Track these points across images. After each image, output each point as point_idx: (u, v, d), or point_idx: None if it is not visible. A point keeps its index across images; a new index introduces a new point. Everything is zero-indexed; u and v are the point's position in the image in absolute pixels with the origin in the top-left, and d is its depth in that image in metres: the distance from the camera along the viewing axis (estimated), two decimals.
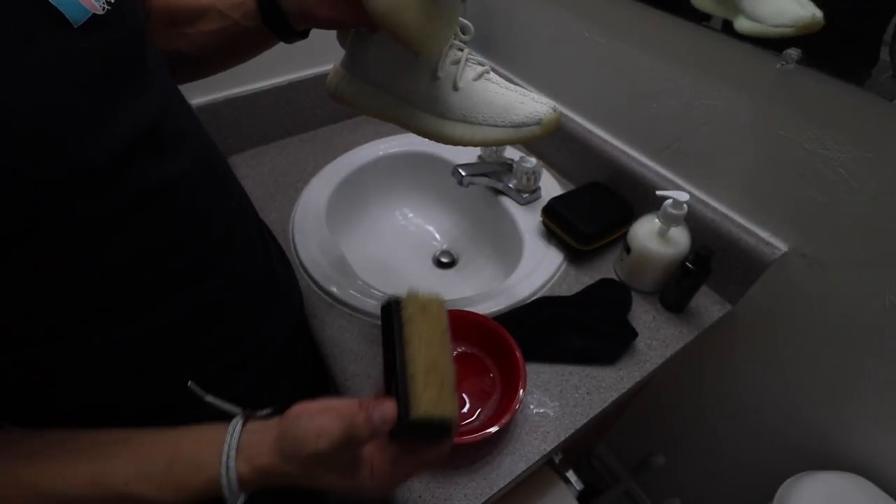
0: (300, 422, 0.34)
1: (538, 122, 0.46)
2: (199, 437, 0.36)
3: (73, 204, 0.29)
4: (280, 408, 0.37)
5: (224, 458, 0.34)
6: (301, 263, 0.72)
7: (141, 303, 0.36)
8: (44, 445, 0.33)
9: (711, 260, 0.61)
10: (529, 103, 0.46)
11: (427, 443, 0.38)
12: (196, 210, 0.39)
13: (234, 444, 0.35)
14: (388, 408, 0.34)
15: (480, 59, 0.48)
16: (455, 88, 0.46)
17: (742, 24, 0.48)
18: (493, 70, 0.97)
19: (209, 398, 0.42)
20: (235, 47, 0.49)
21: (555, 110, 0.46)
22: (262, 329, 0.50)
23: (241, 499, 0.35)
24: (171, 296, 0.37)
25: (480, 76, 0.47)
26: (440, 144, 0.49)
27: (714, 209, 0.68)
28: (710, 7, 0.51)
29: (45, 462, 0.32)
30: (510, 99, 0.47)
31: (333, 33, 0.49)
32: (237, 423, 0.37)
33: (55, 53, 0.27)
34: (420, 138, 0.50)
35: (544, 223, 0.76)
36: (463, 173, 0.77)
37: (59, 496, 0.31)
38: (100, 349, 0.35)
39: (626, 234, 0.69)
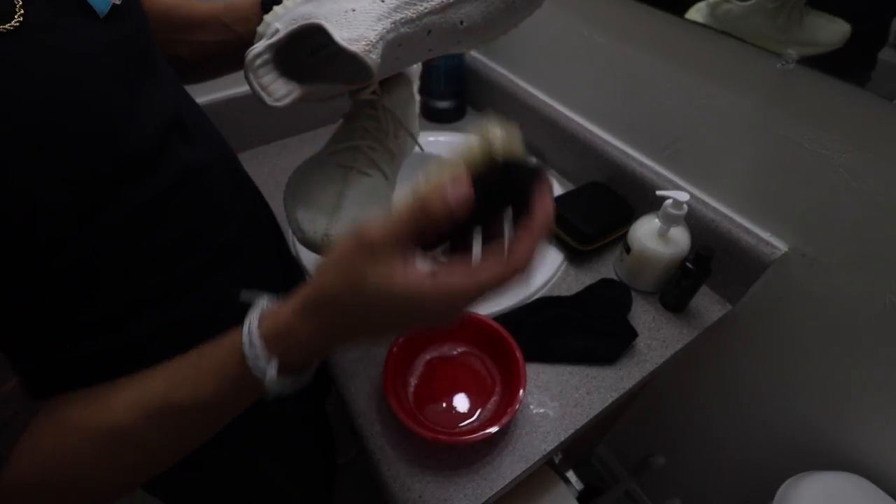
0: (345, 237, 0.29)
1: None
2: (228, 332, 0.32)
3: (121, 191, 0.29)
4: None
5: (246, 325, 0.30)
6: (301, 263, 0.72)
7: (181, 288, 0.36)
8: (86, 392, 0.31)
9: (711, 260, 0.61)
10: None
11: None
12: (221, 197, 0.39)
13: (258, 310, 0.31)
14: (461, 179, 0.26)
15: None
16: None
17: (804, 52, 0.53)
18: (494, 70, 0.98)
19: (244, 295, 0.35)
20: (236, 60, 0.49)
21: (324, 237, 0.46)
22: None
23: (272, 367, 0.30)
24: (206, 279, 0.38)
25: None
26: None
27: (714, 209, 0.68)
28: (763, 42, 0.56)
29: (88, 402, 0.30)
30: None
31: None
32: (266, 300, 0.32)
33: (93, 44, 0.28)
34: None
35: None
36: None
37: (107, 428, 0.29)
38: (139, 338, 0.35)
39: (626, 234, 0.69)
